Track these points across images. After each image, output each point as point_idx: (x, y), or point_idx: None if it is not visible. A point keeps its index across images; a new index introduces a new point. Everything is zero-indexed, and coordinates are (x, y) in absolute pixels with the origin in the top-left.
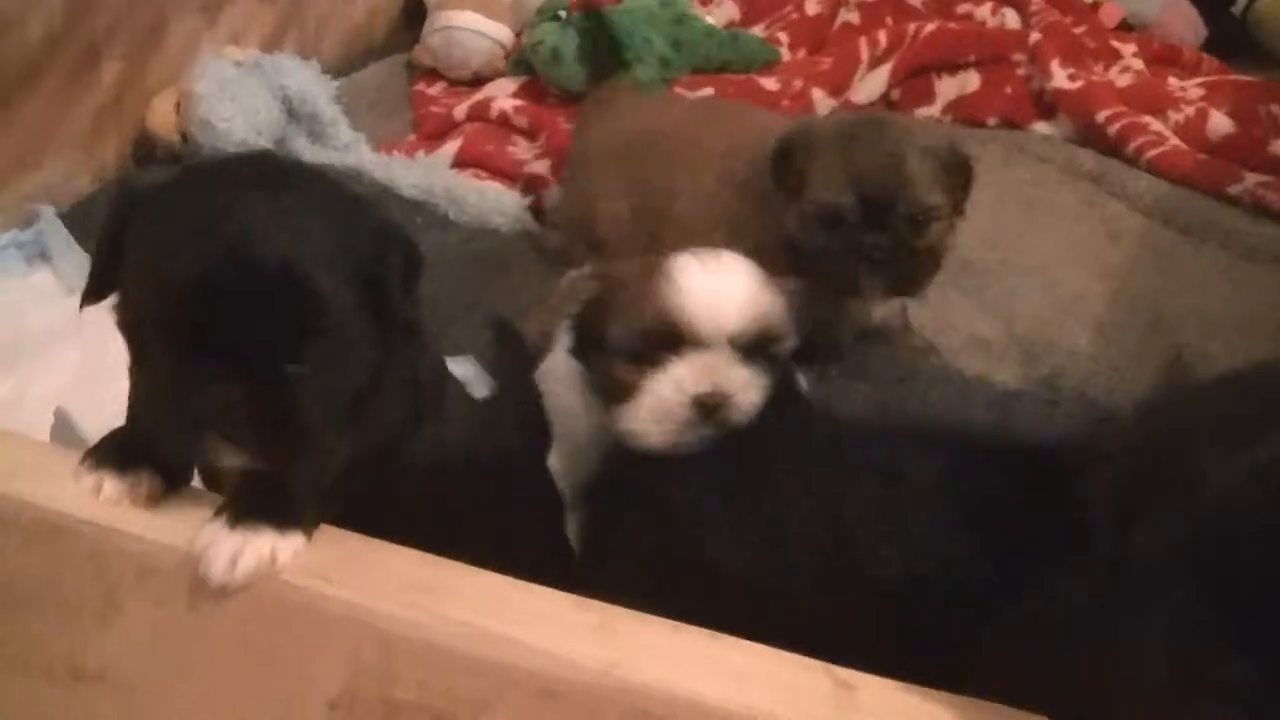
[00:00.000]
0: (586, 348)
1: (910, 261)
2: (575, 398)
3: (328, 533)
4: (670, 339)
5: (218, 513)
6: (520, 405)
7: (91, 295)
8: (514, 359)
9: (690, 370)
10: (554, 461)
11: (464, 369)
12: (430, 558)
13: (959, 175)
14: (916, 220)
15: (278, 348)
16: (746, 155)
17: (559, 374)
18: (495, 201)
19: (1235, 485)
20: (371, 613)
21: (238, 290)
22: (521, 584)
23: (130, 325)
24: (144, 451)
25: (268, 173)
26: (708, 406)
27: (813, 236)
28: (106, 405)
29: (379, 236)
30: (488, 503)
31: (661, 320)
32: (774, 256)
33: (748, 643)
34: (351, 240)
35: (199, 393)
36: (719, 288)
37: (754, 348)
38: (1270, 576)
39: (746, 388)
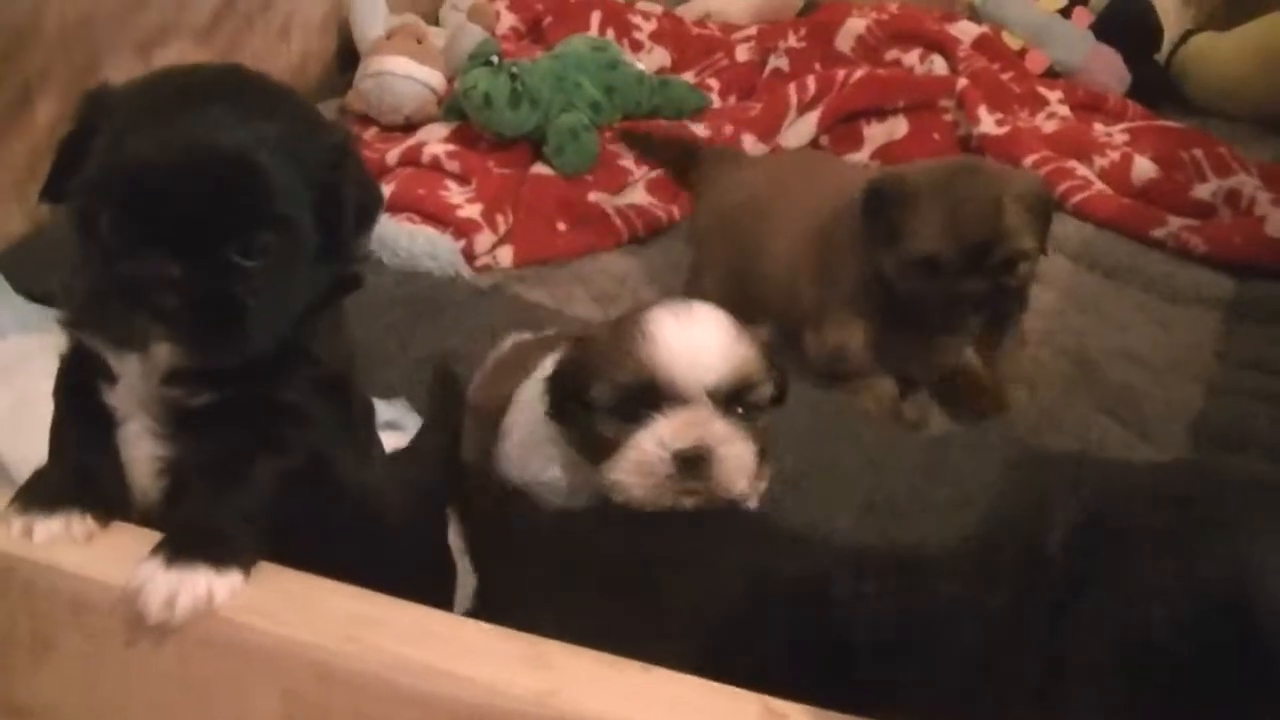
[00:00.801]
0: (566, 408)
1: (1005, 301)
2: (555, 455)
3: (264, 569)
4: (650, 395)
5: (154, 551)
6: (440, 452)
7: (48, 194)
8: (447, 406)
9: (671, 426)
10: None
11: (395, 412)
12: (365, 592)
13: (1044, 216)
14: (1010, 264)
15: (225, 234)
16: (829, 206)
17: (533, 435)
18: (426, 245)
19: (1174, 598)
20: (308, 647)
21: (191, 172)
22: (456, 617)
23: (84, 211)
24: (74, 490)
25: (237, 78)
26: (690, 460)
27: (910, 282)
28: (38, 449)
29: (337, 152)
30: (404, 545)
31: (640, 377)
32: (861, 300)
33: (680, 674)
34: (310, 148)
35: (140, 267)
36: (695, 341)
37: (733, 398)
38: (1201, 685)
39: (728, 440)
